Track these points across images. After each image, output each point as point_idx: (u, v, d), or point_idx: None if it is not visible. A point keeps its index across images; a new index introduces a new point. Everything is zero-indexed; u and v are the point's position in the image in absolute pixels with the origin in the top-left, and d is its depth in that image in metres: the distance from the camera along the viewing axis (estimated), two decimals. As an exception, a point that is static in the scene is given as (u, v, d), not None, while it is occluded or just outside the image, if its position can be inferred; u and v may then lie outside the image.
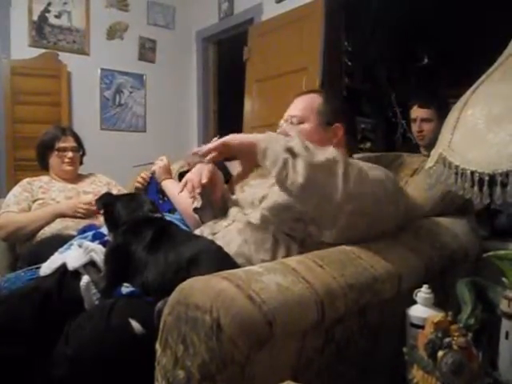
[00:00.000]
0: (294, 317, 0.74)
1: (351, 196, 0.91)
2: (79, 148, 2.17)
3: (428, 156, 0.88)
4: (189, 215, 1.51)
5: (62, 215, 1.90)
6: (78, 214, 1.90)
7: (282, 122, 1.32)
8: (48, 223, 1.88)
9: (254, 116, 3.59)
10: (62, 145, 2.09)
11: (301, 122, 1.27)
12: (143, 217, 1.18)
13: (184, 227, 1.43)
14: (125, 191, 2.19)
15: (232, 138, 1.08)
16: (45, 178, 2.11)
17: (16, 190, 2.03)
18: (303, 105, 1.30)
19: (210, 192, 1.30)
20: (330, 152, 0.94)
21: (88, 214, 1.90)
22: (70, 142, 2.12)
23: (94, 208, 1.79)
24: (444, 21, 2.86)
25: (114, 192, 2.11)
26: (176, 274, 0.98)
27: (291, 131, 1.25)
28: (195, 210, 1.38)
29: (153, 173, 1.88)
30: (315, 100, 1.30)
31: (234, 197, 1.37)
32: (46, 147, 2.11)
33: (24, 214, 1.93)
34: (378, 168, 1.04)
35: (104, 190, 2.10)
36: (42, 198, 1.98)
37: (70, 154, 2.09)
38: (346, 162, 0.93)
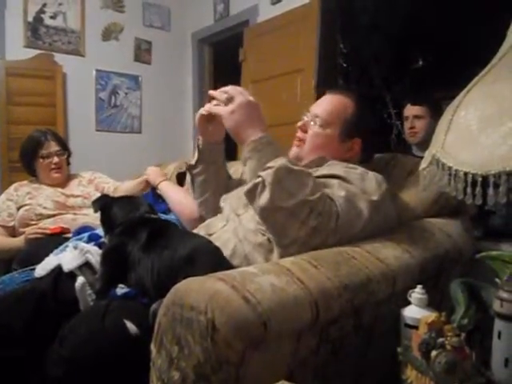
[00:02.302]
0: (289, 317, 0.74)
1: (297, 242, 0.94)
2: (64, 150, 2.09)
3: (419, 155, 0.89)
4: (185, 216, 1.51)
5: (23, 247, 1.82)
6: (33, 236, 1.80)
7: (304, 117, 1.29)
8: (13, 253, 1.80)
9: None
10: (45, 151, 2.01)
11: (322, 126, 1.23)
12: (139, 218, 1.19)
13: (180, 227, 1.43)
14: (107, 181, 2.18)
15: (226, 122, 1.02)
16: (34, 183, 2.07)
17: (0, 199, 2.01)
18: (332, 109, 1.24)
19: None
20: (302, 193, 0.91)
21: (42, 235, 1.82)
22: (53, 147, 2.04)
23: (45, 230, 1.79)
24: (439, 23, 2.87)
25: (96, 183, 2.10)
26: (171, 273, 0.98)
27: (311, 130, 1.24)
28: (189, 167, 1.36)
29: (147, 181, 1.86)
30: (347, 107, 1.24)
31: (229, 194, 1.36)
32: (29, 156, 2.04)
33: None
34: (359, 199, 1.01)
35: (91, 190, 2.09)
36: (28, 204, 1.95)
37: (55, 160, 2.02)
38: (316, 205, 0.91)
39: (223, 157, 1.38)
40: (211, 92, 1.08)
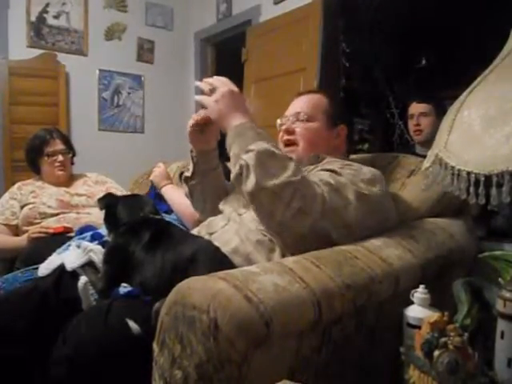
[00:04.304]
0: (291, 317, 0.74)
1: (285, 225, 0.94)
2: (69, 150, 2.12)
3: (422, 154, 0.89)
4: (187, 218, 1.52)
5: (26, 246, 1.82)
6: (35, 236, 1.81)
7: (278, 121, 1.32)
8: (12, 252, 1.81)
9: (252, 117, 3.59)
10: (50, 149, 2.04)
11: (309, 120, 1.26)
12: (143, 218, 1.19)
13: (182, 227, 1.43)
14: (116, 186, 2.19)
15: (211, 111, 1.08)
16: (38, 182, 2.09)
17: (4, 197, 2.02)
18: (311, 103, 1.29)
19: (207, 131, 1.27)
20: (284, 175, 0.92)
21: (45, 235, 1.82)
22: (58, 146, 2.06)
23: (48, 230, 1.79)
24: (442, 22, 2.87)
25: (103, 189, 2.10)
26: (174, 274, 0.98)
27: (298, 128, 1.26)
28: (186, 179, 1.36)
29: (151, 181, 1.88)
30: (322, 100, 1.30)
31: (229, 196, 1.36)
32: (34, 153, 2.06)
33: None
34: (346, 188, 1.01)
35: (96, 190, 2.10)
36: (32, 203, 1.96)
37: (60, 158, 2.04)
38: (299, 186, 0.92)
39: (219, 167, 1.39)
40: (197, 83, 1.13)
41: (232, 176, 0.99)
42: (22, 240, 1.85)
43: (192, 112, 4.51)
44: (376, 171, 1.12)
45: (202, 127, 1.25)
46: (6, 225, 1.94)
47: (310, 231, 0.95)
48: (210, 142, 1.30)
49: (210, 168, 1.34)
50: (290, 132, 1.27)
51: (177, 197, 1.65)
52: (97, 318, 0.94)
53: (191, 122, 1.25)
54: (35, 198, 1.98)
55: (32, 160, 2.09)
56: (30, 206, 1.95)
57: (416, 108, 2.47)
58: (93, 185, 2.16)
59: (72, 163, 2.17)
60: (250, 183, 0.92)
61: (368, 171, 1.10)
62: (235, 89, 1.07)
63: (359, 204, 1.00)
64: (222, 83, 1.08)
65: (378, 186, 1.07)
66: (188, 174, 1.35)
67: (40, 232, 1.80)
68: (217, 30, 4.28)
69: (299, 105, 1.31)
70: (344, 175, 1.05)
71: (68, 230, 1.79)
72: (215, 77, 1.10)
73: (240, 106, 1.06)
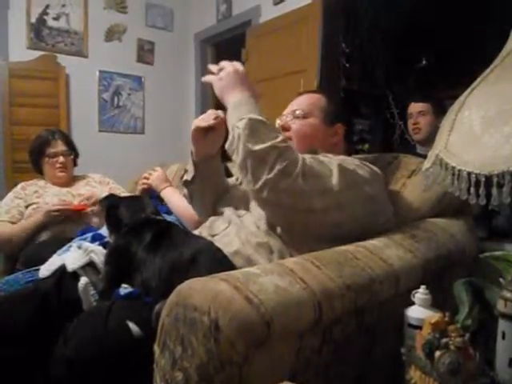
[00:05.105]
0: (292, 317, 0.74)
1: (267, 185, 0.95)
2: (70, 151, 2.12)
3: (422, 153, 0.89)
4: (187, 220, 1.52)
5: (43, 224, 1.86)
6: (55, 213, 1.86)
7: (277, 120, 1.32)
8: (32, 235, 1.86)
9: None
10: (51, 150, 2.05)
11: (305, 117, 1.27)
12: (145, 218, 1.19)
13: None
14: (119, 187, 2.20)
15: (215, 89, 1.13)
16: (41, 182, 2.10)
17: (9, 196, 2.03)
18: (309, 101, 1.30)
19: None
20: (271, 140, 0.96)
21: (63, 214, 1.88)
22: (59, 147, 2.07)
23: (69, 206, 1.87)
24: (442, 22, 2.87)
25: (106, 189, 2.11)
26: (174, 275, 0.98)
27: (294, 125, 1.26)
28: (185, 183, 1.33)
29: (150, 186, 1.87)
30: (321, 99, 1.31)
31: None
32: (36, 153, 2.07)
33: (10, 225, 1.91)
34: (329, 163, 1.04)
35: (99, 190, 2.10)
36: (35, 203, 1.97)
37: (61, 159, 2.05)
38: (283, 152, 0.96)
39: (221, 170, 1.38)
40: (210, 66, 1.18)
41: (226, 144, 1.03)
42: (35, 219, 1.87)
43: (192, 113, 4.52)
44: (374, 168, 1.13)
45: (207, 129, 1.23)
46: (13, 223, 1.95)
47: (289, 190, 0.96)
48: (210, 146, 1.27)
49: (211, 173, 1.31)
50: (285, 128, 1.27)
51: (176, 199, 1.65)
52: (97, 319, 0.94)
53: (199, 124, 1.24)
54: (38, 198, 1.99)
55: (35, 161, 2.10)
56: (34, 206, 1.96)
57: (414, 107, 2.52)
58: (96, 185, 2.17)
59: (75, 165, 2.18)
60: (240, 148, 0.97)
61: (354, 159, 1.12)
62: (241, 68, 1.12)
63: (340, 174, 1.01)
64: (230, 64, 1.13)
65: (366, 171, 1.08)
66: (188, 177, 1.31)
67: (60, 210, 1.85)
68: (217, 31, 4.29)
69: (296, 103, 1.32)
70: (333, 158, 1.07)
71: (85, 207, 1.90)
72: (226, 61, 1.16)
73: (242, 82, 1.10)
